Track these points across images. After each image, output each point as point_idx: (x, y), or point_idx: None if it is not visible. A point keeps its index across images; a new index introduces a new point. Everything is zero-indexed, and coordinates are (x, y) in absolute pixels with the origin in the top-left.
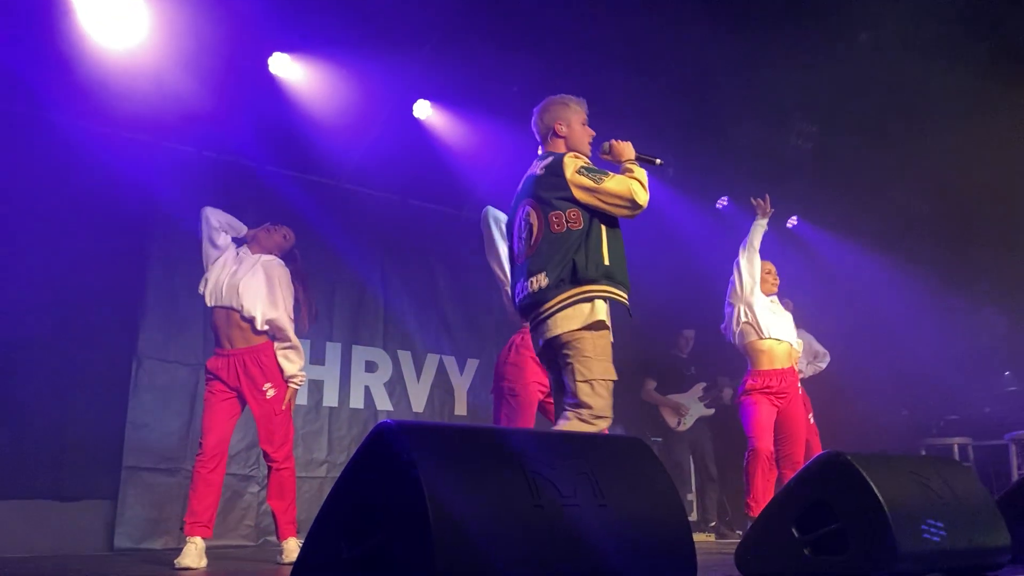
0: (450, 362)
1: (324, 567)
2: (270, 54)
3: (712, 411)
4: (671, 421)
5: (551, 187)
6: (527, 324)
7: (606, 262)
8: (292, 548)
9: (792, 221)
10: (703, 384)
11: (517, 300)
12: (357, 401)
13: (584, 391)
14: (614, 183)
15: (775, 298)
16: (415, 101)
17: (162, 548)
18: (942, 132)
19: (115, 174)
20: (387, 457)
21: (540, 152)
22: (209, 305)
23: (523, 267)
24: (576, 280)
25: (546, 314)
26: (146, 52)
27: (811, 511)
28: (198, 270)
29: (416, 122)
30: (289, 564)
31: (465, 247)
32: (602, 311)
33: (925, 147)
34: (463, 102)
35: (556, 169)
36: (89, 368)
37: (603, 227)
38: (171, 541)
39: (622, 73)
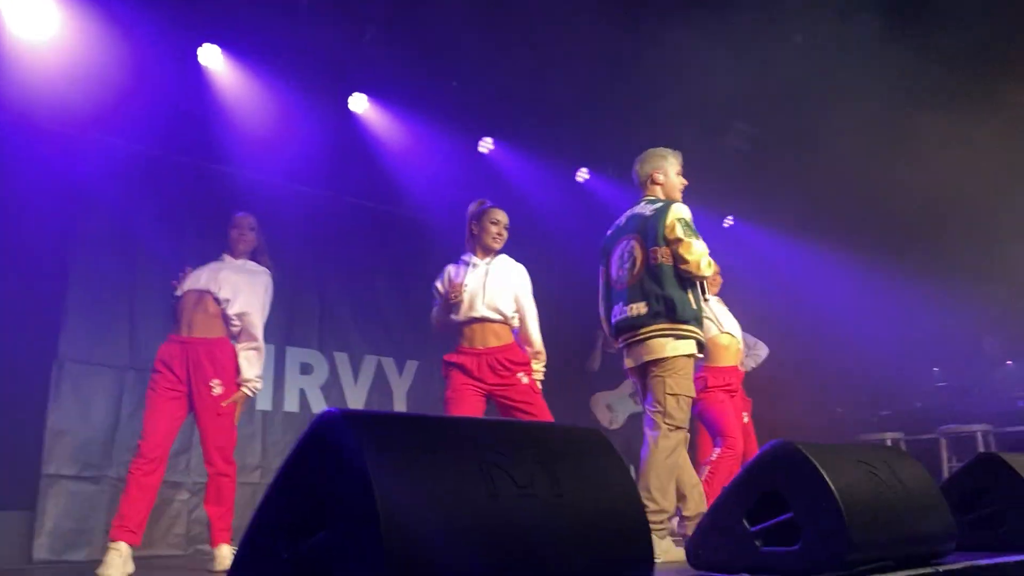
0: (389, 364)
1: (262, 569)
2: (199, 44)
3: (642, 408)
4: (603, 419)
5: (656, 227)
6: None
7: (693, 306)
8: (225, 555)
9: (728, 221)
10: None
11: (614, 320)
12: (292, 404)
13: (671, 403)
14: (697, 246)
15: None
16: (350, 94)
17: (85, 559)
18: (878, 131)
19: (36, 168)
20: (331, 448)
21: (643, 197)
22: (178, 294)
23: (623, 293)
24: (673, 317)
25: (643, 337)
26: (66, 43)
27: (762, 502)
28: (123, 270)
29: (352, 116)
30: (222, 572)
31: (403, 246)
32: (692, 347)
33: (860, 146)
34: (400, 97)
35: (663, 212)
36: (6, 371)
37: None
38: (95, 552)
39: (559, 73)
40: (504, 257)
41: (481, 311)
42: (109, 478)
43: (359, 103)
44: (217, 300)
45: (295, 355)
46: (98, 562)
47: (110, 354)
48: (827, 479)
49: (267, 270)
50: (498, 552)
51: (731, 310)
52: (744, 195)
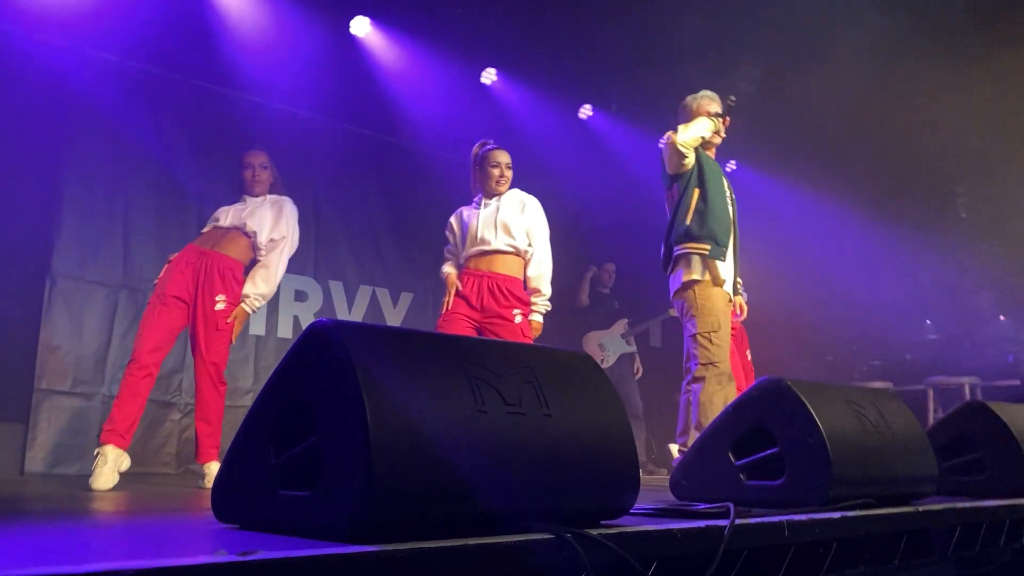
0: (383, 295)
1: (250, 473)
2: None
3: (634, 348)
4: (595, 357)
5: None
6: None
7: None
8: (214, 471)
9: (731, 166)
10: (626, 320)
11: None
12: (285, 331)
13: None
14: None
15: None
16: (353, 17)
17: (76, 473)
18: (885, 85)
19: (31, 82)
20: (322, 356)
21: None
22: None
23: None
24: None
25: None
26: None
27: (748, 436)
28: (117, 186)
29: (354, 40)
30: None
31: (402, 177)
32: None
33: (867, 98)
34: (403, 22)
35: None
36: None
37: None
38: (86, 467)
39: (566, 7)
40: (516, 192)
41: (492, 243)
42: (101, 395)
43: (361, 26)
44: (246, 233)
45: (289, 281)
46: (89, 477)
47: (104, 272)
48: (814, 415)
49: (288, 199)
50: (484, 464)
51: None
52: (748, 140)
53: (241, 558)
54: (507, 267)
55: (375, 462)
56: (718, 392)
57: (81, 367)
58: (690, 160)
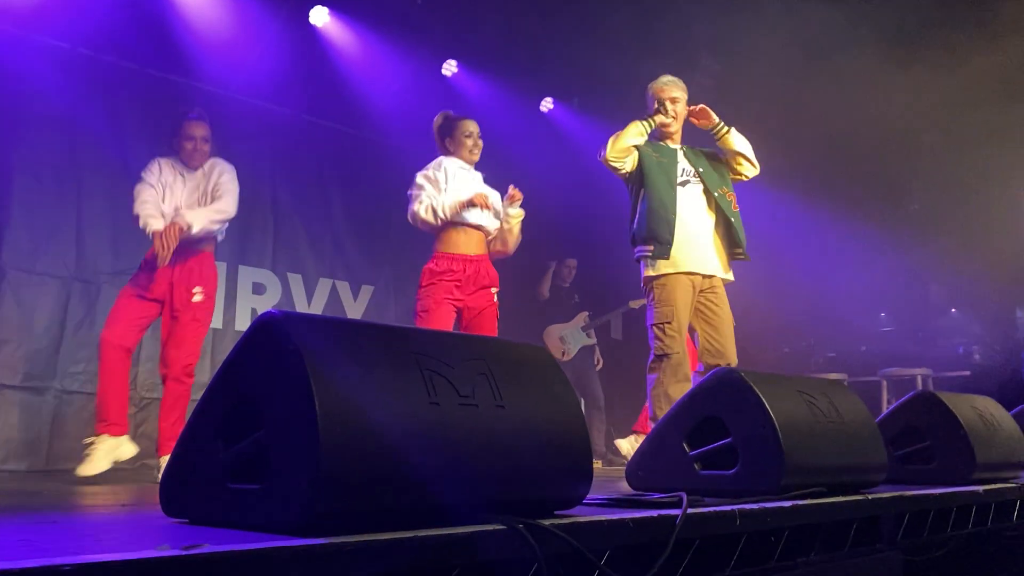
0: (343, 287)
1: (198, 465)
2: None
3: (594, 341)
4: (555, 350)
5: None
6: (439, 251)
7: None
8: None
9: None
10: (586, 313)
11: None
12: (243, 324)
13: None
14: None
15: None
16: (312, 7)
17: (27, 469)
18: (840, 78)
19: None
20: (271, 348)
21: None
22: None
23: None
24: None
25: None
26: None
27: (702, 426)
28: (68, 176)
29: (313, 30)
30: None
31: (362, 169)
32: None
33: (822, 92)
34: (363, 12)
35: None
36: None
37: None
38: (37, 463)
39: (516, 3)
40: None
41: (487, 217)
42: (54, 389)
43: (320, 16)
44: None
45: (247, 274)
46: (40, 472)
47: (55, 264)
48: (767, 406)
49: (222, 161)
50: (436, 456)
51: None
52: (704, 133)
53: (185, 552)
54: (483, 248)
55: (324, 454)
56: (672, 384)
57: (33, 361)
58: (626, 167)
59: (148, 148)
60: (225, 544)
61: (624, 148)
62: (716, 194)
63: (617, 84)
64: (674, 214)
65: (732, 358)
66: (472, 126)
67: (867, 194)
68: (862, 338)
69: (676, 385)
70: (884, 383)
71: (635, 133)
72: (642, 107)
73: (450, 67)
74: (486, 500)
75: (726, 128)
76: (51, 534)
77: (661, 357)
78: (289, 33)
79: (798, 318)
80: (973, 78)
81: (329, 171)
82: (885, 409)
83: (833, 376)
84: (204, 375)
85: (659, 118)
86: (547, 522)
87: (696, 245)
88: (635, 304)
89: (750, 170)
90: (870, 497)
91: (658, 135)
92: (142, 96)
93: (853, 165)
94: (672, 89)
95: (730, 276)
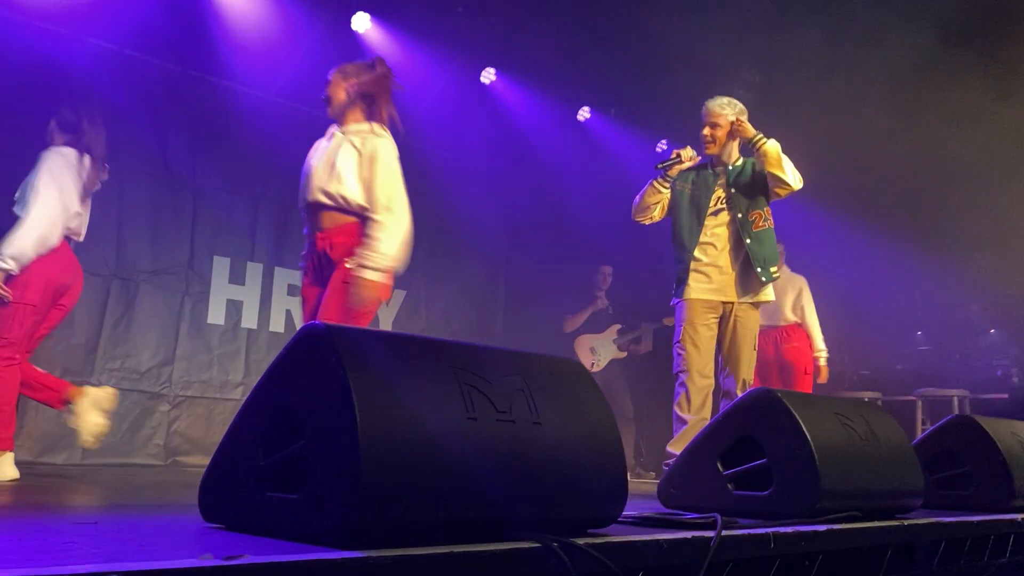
0: None
1: (239, 475)
2: None
3: (624, 354)
4: (586, 361)
5: None
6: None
7: None
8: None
9: None
10: (618, 326)
11: None
12: (277, 325)
13: None
14: None
15: None
16: (354, 13)
17: (63, 462)
18: (882, 99)
19: (27, 68)
20: (314, 359)
21: None
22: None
23: None
24: None
25: None
26: None
27: (737, 447)
28: (112, 176)
29: (354, 35)
30: None
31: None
32: None
33: (863, 112)
34: (404, 19)
35: None
36: None
37: None
38: (73, 456)
39: (567, 8)
40: None
41: None
42: (91, 384)
43: (362, 22)
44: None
45: (283, 276)
46: (76, 466)
47: (95, 262)
48: (803, 427)
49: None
50: (473, 472)
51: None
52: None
53: (226, 562)
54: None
55: (364, 467)
56: (682, 403)
57: (71, 356)
58: (655, 219)
59: (188, 149)
60: (266, 555)
61: (643, 212)
62: (739, 216)
63: (655, 94)
64: (692, 247)
65: (738, 384)
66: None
67: (905, 211)
68: (898, 357)
69: (684, 404)
70: (919, 403)
71: (650, 194)
72: (680, 117)
73: (489, 75)
74: (521, 517)
75: (763, 140)
76: (94, 536)
77: (676, 374)
78: (330, 38)
79: (833, 335)
80: (1016, 99)
81: None
82: (920, 430)
83: (867, 395)
84: (238, 374)
85: (675, 169)
86: (581, 541)
87: (714, 274)
88: (669, 321)
89: (784, 188)
90: (906, 523)
91: (707, 158)
92: (184, 98)
93: (892, 182)
94: (705, 119)
95: (758, 298)
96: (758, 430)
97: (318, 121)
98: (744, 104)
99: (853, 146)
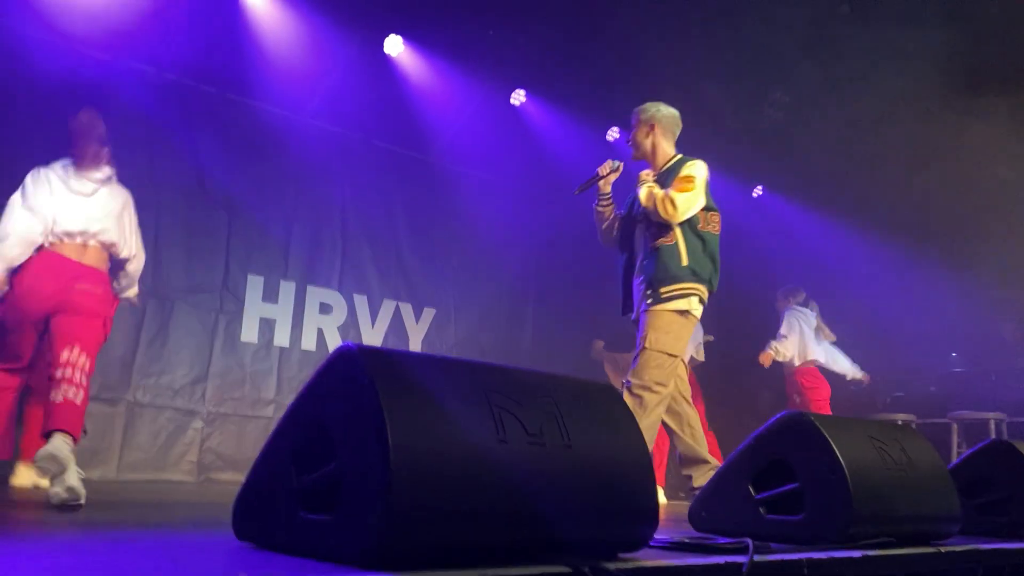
0: (406, 309)
1: (272, 494)
2: None
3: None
4: (616, 383)
5: None
6: None
7: None
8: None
9: (757, 191)
10: None
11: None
12: (309, 343)
13: None
14: None
15: None
16: (386, 36)
17: (99, 479)
18: (913, 118)
19: (67, 91)
20: (347, 380)
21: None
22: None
23: None
24: None
25: None
26: None
27: (769, 470)
28: (146, 195)
29: (386, 58)
30: None
31: (428, 194)
32: None
33: (894, 131)
34: (436, 42)
35: None
36: None
37: None
38: (108, 472)
39: (595, 29)
40: None
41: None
42: (126, 401)
43: (394, 45)
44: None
45: (315, 294)
46: (112, 482)
47: None
48: (836, 451)
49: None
50: (504, 495)
51: (757, 282)
52: (776, 166)
53: None
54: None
55: (396, 490)
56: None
57: (107, 373)
58: (613, 234)
59: (223, 169)
60: (297, 574)
61: (603, 237)
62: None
63: (685, 113)
64: (618, 265)
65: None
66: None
67: (938, 232)
68: (931, 378)
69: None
70: (954, 426)
71: (597, 219)
72: (710, 134)
73: (519, 96)
74: (552, 540)
75: (641, 185)
76: (130, 554)
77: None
78: (363, 61)
79: (864, 356)
80: None
81: (397, 195)
82: (956, 454)
83: (900, 417)
84: (270, 391)
85: (605, 185)
86: (612, 566)
87: (626, 289)
88: (706, 338)
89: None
90: (943, 550)
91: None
92: (219, 119)
93: (924, 202)
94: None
95: (652, 309)
96: (790, 453)
97: (350, 142)
98: (771, 122)
99: (887, 162)
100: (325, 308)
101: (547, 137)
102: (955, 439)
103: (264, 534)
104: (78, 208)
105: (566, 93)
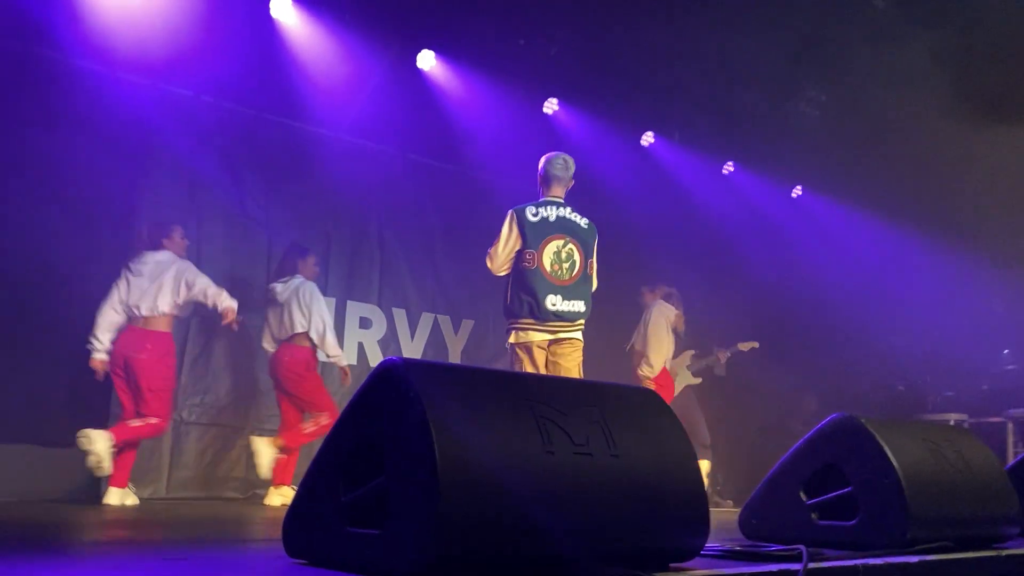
0: (445, 322)
1: (321, 510)
2: None
3: (700, 380)
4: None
5: (592, 244)
6: None
7: None
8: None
9: (797, 191)
10: (692, 352)
11: (552, 307)
12: (350, 357)
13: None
14: None
15: None
16: (419, 51)
17: (149, 496)
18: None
19: (109, 116)
20: (393, 395)
21: (563, 199)
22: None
23: (559, 287)
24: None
25: (577, 328)
26: None
27: (820, 475)
28: (188, 217)
29: (419, 73)
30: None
31: (463, 206)
32: None
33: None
34: (468, 55)
35: (594, 230)
36: (74, 316)
37: None
38: (159, 490)
39: (627, 35)
40: None
41: None
42: (173, 419)
43: (427, 60)
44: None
45: (355, 309)
46: (161, 500)
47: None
48: (889, 455)
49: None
50: (552, 506)
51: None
52: (816, 165)
53: None
54: None
55: (443, 503)
56: None
57: None
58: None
59: (262, 188)
60: None
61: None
62: None
63: (718, 117)
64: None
65: None
66: None
67: (988, 229)
68: (983, 376)
69: None
70: (1009, 425)
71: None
72: (744, 136)
73: (551, 105)
74: (601, 550)
75: None
76: (184, 571)
77: None
78: (397, 77)
79: (914, 355)
80: None
81: (432, 208)
82: (1013, 454)
83: (952, 416)
84: None
85: None
86: None
87: None
88: (744, 346)
89: None
90: (1004, 553)
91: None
92: (257, 140)
93: (972, 198)
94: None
95: None
96: (842, 457)
97: (385, 156)
98: (806, 119)
99: (930, 158)
100: (365, 322)
101: (581, 145)
102: (1011, 438)
103: (314, 550)
104: None
105: (599, 100)
